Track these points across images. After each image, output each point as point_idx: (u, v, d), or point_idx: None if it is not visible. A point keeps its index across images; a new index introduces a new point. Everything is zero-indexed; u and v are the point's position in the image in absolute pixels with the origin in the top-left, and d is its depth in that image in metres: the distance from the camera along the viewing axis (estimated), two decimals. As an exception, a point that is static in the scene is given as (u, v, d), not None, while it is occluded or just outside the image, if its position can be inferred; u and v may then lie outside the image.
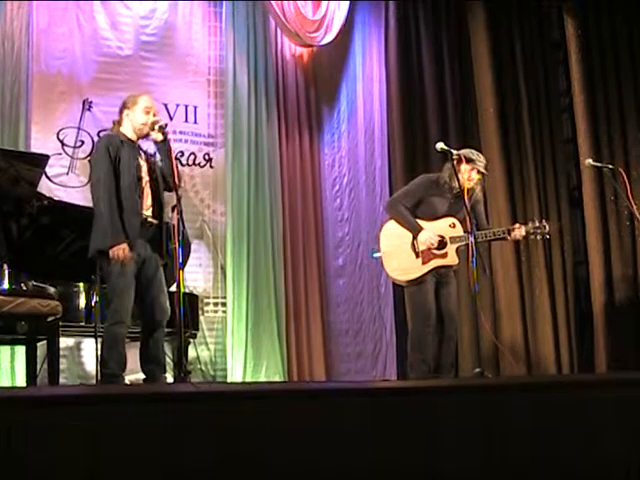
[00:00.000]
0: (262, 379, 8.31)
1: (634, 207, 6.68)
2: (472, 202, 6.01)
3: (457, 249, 6.01)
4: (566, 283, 8.49)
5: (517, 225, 6.14)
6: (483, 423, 2.93)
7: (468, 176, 5.97)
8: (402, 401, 2.90)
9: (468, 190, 5.97)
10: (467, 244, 5.88)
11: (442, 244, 5.96)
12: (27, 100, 7.92)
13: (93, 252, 5.30)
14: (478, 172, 6.01)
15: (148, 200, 5.40)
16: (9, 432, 2.26)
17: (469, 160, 5.98)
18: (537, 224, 6.14)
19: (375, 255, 6.27)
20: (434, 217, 6.02)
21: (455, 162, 6.00)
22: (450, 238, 5.96)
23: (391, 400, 2.90)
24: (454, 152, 5.94)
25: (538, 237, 6.18)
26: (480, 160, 6.02)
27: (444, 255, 5.95)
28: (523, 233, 6.06)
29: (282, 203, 8.95)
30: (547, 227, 6.15)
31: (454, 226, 6.00)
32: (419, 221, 6.01)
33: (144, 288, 5.32)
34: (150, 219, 5.36)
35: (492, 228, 6.31)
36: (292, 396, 2.82)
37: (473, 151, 6.15)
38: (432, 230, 5.96)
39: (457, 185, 5.95)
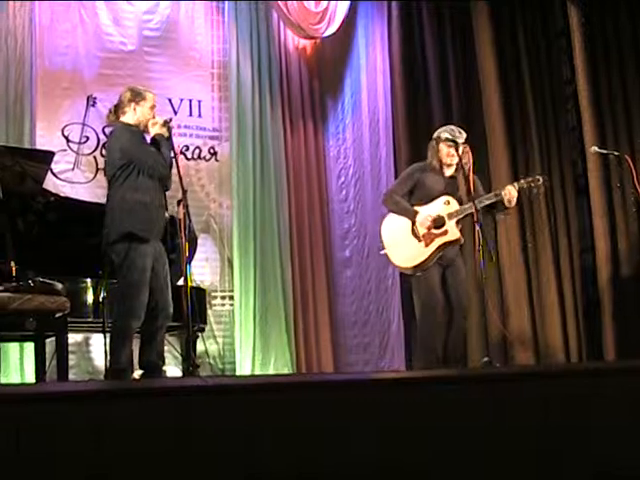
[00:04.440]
0: (271, 372, 8.33)
1: (640, 193, 6.67)
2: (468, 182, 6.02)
3: (457, 224, 6.01)
4: (573, 270, 8.47)
5: (509, 185, 6.11)
6: (491, 413, 2.94)
7: (448, 152, 5.99)
8: (410, 392, 2.90)
9: (461, 167, 6.02)
10: (467, 215, 5.93)
11: (440, 222, 5.96)
12: (31, 97, 7.94)
13: (113, 239, 5.32)
14: (457, 148, 6.00)
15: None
16: (18, 428, 2.26)
17: (445, 139, 6.00)
18: (529, 178, 6.15)
19: (382, 252, 6.27)
20: (430, 199, 6.04)
21: (434, 143, 6.05)
22: (447, 215, 5.97)
23: (399, 391, 2.90)
24: (458, 141, 5.95)
25: (534, 192, 6.16)
26: (456, 135, 6.01)
27: (444, 232, 5.96)
28: (515, 192, 6.02)
29: (288, 195, 8.97)
30: (540, 179, 6.14)
31: (448, 203, 6.01)
32: (415, 207, 6.03)
33: (153, 281, 5.33)
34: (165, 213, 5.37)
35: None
36: (301, 388, 2.83)
37: (449, 127, 6.16)
38: (427, 212, 5.98)
39: (439, 165, 6.05)
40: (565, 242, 8.52)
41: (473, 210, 5.82)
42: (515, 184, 6.09)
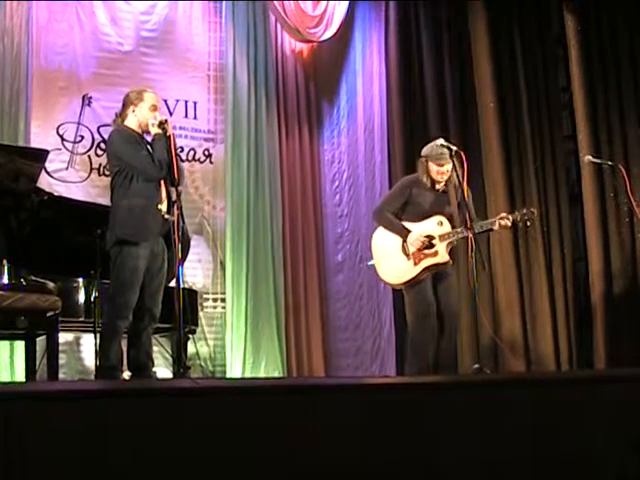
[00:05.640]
0: (261, 375, 8.32)
1: (633, 204, 6.68)
2: (459, 199, 6.00)
3: (447, 246, 6.00)
4: (565, 279, 8.48)
5: (504, 214, 6.12)
6: (481, 420, 2.94)
7: (437, 170, 5.97)
8: (401, 397, 2.91)
9: (450, 184, 6.02)
10: (462, 238, 5.90)
11: (431, 243, 5.95)
12: (27, 95, 7.93)
13: (109, 244, 5.34)
14: (443, 164, 5.96)
15: (162, 193, 5.41)
16: (7, 427, 2.26)
17: (434, 158, 5.96)
18: (524, 211, 6.15)
19: (369, 264, 6.27)
20: (422, 215, 6.01)
21: (424, 160, 6.03)
22: (439, 236, 5.96)
23: (390, 396, 2.90)
24: (453, 148, 5.93)
25: (528, 223, 6.16)
26: (444, 152, 5.95)
27: (434, 254, 5.94)
28: (509, 223, 6.04)
29: (282, 199, 8.96)
30: (534, 212, 6.15)
31: (441, 224, 5.99)
32: (407, 223, 6.00)
33: (145, 282, 5.33)
34: (165, 214, 5.35)
35: (480, 221, 6.23)
36: (290, 392, 2.83)
37: (437, 142, 6.03)
38: (420, 231, 5.96)
39: (431, 182, 6.00)
40: (558, 251, 8.53)
41: (466, 235, 5.81)
42: (510, 216, 6.08)
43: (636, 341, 7.77)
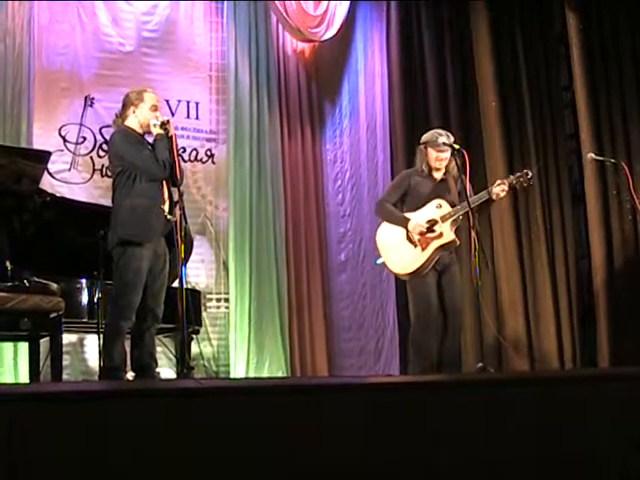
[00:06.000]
0: (265, 375, 8.32)
1: (636, 201, 6.67)
2: (459, 188, 6.02)
3: (452, 225, 6.00)
4: (568, 278, 8.47)
5: (499, 181, 6.13)
6: (485, 419, 2.94)
7: (437, 157, 5.99)
8: (404, 397, 2.90)
9: (449, 173, 6.07)
10: (463, 214, 5.91)
11: (434, 226, 5.96)
12: (29, 97, 7.93)
13: (111, 245, 5.34)
14: (443, 151, 6.00)
15: (164, 194, 5.41)
16: (11, 428, 2.26)
17: (433, 144, 5.99)
18: (518, 173, 6.17)
19: (378, 262, 6.28)
20: (421, 204, 6.04)
21: (423, 147, 6.07)
22: (440, 217, 5.97)
23: (393, 396, 2.90)
24: (456, 147, 5.94)
25: (525, 185, 6.17)
26: (442, 139, 5.99)
27: (439, 235, 5.96)
28: (506, 188, 6.05)
29: (284, 198, 8.97)
30: (529, 173, 6.16)
31: (440, 206, 6.01)
32: (407, 214, 6.03)
33: (148, 283, 5.33)
34: (168, 215, 5.35)
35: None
36: (294, 392, 2.82)
37: (436, 131, 6.13)
38: (420, 216, 5.98)
39: (429, 169, 6.04)
40: (561, 249, 8.52)
41: (466, 210, 5.83)
42: (505, 181, 6.10)
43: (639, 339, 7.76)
